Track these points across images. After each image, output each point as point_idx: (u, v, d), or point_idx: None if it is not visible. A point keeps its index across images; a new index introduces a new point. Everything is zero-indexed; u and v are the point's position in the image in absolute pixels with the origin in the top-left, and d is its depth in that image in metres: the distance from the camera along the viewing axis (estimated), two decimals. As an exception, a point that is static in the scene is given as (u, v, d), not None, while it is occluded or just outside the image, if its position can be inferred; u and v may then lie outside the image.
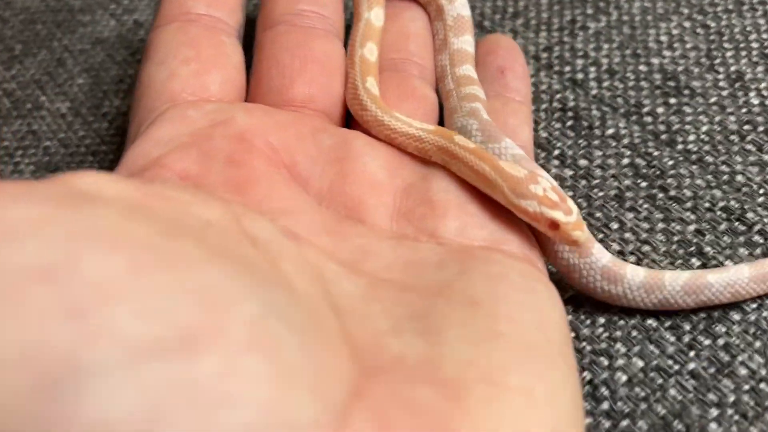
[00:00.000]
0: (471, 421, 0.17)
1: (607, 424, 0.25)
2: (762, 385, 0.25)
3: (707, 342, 0.27)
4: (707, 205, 0.30)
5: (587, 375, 0.26)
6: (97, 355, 0.12)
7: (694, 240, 0.29)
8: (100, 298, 0.13)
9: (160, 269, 0.14)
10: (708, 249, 0.29)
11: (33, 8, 0.44)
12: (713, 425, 0.25)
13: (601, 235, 0.30)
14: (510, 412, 0.18)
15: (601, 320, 0.27)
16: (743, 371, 0.26)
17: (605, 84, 0.35)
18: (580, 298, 0.28)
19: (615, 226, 0.30)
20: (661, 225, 0.30)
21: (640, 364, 0.26)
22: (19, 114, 0.38)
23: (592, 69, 0.36)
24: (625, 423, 0.25)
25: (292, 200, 0.23)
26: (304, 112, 0.27)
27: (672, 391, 0.25)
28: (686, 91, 0.35)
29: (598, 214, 0.30)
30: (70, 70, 0.40)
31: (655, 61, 0.36)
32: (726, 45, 0.36)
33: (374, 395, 0.16)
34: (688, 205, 0.31)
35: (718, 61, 0.36)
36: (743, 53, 0.36)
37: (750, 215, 0.30)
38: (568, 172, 0.32)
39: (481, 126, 0.27)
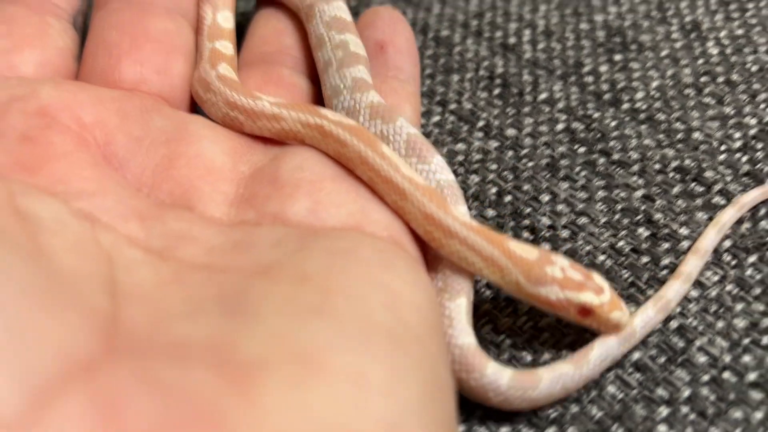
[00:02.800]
0: (256, 411, 0.13)
1: (528, 434, 0.20)
2: (726, 375, 0.20)
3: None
4: (657, 166, 0.25)
5: (504, 374, 0.21)
6: None
7: (642, 207, 0.24)
8: None
9: None
10: (658, 216, 0.24)
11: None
12: (662, 427, 0.19)
13: (528, 209, 0.25)
14: (324, 399, 0.14)
15: (525, 308, 0.22)
16: (702, 359, 0.20)
17: (540, 46, 0.31)
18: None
19: (546, 198, 0.25)
20: (601, 193, 0.25)
21: (572, 357, 0.21)
22: None
23: (527, 32, 0.31)
24: (550, 431, 0.20)
25: (97, 182, 0.19)
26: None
27: (611, 389, 0.20)
28: (633, 46, 0.30)
29: (526, 187, 0.25)
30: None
31: (599, 18, 0.32)
32: (680, -5, 0.32)
33: (110, 377, 0.13)
34: (635, 168, 0.25)
35: (670, 12, 0.31)
36: (699, 2, 0.31)
37: (709, 174, 0.25)
38: (494, 144, 0.27)
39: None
